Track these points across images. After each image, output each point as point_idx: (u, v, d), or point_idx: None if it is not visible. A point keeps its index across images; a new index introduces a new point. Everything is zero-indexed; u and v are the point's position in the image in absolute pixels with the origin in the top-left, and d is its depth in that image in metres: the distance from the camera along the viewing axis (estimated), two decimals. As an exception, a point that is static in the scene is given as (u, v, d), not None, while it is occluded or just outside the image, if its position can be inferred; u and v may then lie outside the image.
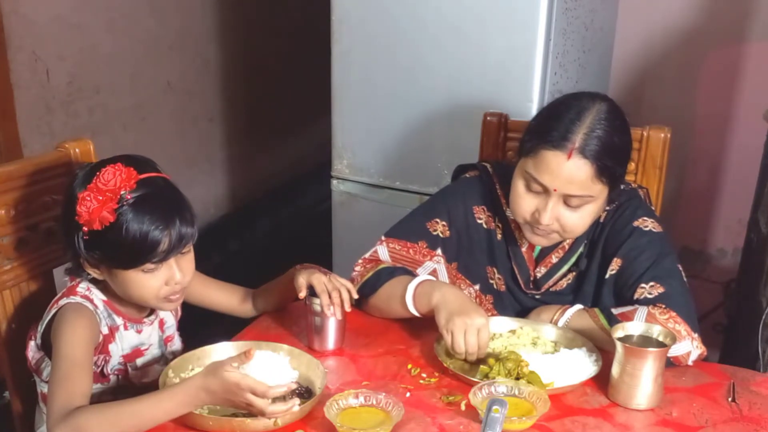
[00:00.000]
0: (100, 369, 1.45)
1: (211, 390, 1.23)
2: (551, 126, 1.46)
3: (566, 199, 1.47)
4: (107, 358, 1.45)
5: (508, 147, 1.93)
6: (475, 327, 1.41)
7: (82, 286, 1.44)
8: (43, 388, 1.48)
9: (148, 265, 1.35)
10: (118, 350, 1.47)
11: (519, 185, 1.52)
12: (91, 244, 1.35)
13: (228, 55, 3.94)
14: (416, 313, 1.52)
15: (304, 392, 1.35)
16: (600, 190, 1.47)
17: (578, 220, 1.49)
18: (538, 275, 1.63)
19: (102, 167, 1.34)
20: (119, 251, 1.33)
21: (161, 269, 1.37)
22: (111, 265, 1.37)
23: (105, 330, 1.44)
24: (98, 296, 1.45)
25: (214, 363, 1.27)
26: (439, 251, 1.65)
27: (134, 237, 1.31)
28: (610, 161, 1.44)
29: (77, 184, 1.36)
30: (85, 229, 1.33)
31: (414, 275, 1.58)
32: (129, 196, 1.31)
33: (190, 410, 1.24)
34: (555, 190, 1.46)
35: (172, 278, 1.39)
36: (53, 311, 1.40)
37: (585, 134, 1.43)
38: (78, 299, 1.41)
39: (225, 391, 1.23)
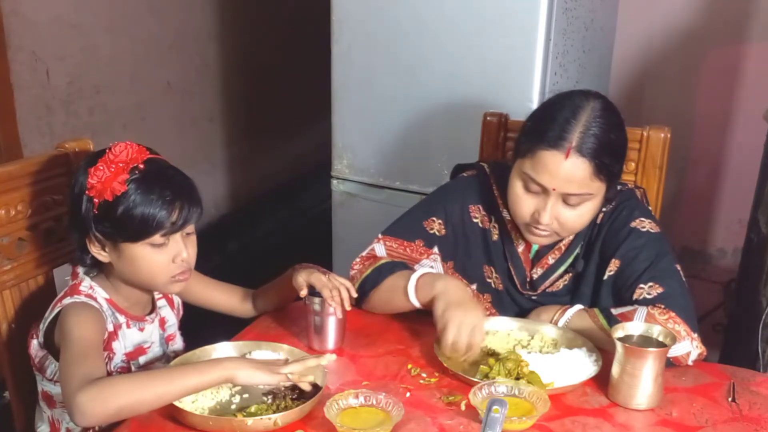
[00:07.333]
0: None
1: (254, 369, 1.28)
2: (547, 126, 1.45)
3: (565, 198, 1.47)
4: (111, 355, 1.45)
5: (508, 147, 1.92)
6: (469, 323, 1.39)
7: (85, 285, 1.44)
8: (44, 386, 1.48)
9: (157, 238, 1.36)
10: (121, 348, 1.47)
11: (517, 186, 1.51)
12: (102, 217, 1.35)
13: (228, 55, 3.94)
14: (417, 304, 1.51)
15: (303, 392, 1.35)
16: (598, 188, 1.47)
17: (577, 218, 1.50)
18: (535, 276, 1.62)
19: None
20: (129, 222, 1.34)
21: (169, 245, 1.38)
22: (120, 239, 1.37)
23: (110, 327, 1.44)
24: (101, 294, 1.45)
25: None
26: (435, 249, 1.65)
27: (144, 207, 1.33)
28: (608, 158, 1.44)
29: (86, 164, 1.38)
30: (96, 201, 1.34)
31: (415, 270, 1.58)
32: (142, 166, 1.34)
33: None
34: (554, 190, 1.45)
35: (179, 255, 1.39)
36: (56, 310, 1.39)
37: (581, 133, 1.43)
38: (82, 298, 1.41)
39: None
